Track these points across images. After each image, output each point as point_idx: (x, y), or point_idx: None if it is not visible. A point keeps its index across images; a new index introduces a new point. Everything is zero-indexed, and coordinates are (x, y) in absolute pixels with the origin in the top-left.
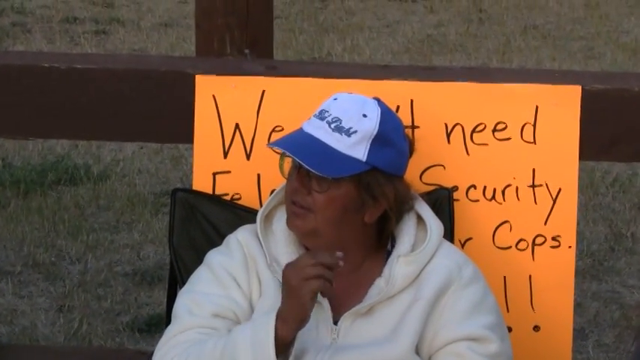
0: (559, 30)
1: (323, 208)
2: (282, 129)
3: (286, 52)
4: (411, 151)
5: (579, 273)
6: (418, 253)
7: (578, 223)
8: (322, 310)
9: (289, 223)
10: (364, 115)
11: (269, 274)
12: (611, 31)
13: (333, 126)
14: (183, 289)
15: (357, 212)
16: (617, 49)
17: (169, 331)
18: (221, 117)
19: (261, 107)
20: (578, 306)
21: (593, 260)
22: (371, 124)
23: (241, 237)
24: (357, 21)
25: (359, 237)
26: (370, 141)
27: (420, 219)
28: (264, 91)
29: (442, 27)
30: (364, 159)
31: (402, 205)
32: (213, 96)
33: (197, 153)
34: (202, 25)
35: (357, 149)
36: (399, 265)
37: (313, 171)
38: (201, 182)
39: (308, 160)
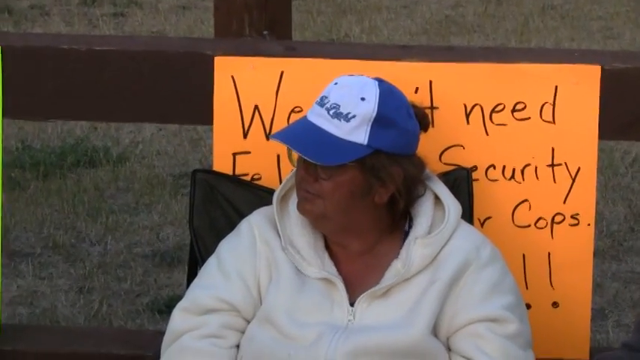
0: (577, 10)
1: (330, 194)
2: (301, 110)
3: (304, 33)
4: (425, 127)
5: (599, 253)
6: (435, 235)
7: (597, 203)
8: (337, 291)
9: (299, 207)
10: (362, 99)
11: (283, 258)
12: (629, 10)
13: (332, 112)
14: (193, 282)
15: (366, 195)
16: (637, 29)
17: (167, 335)
18: (240, 98)
19: (280, 88)
20: (597, 286)
21: (613, 240)
22: (369, 107)
23: (255, 221)
24: (375, 2)
25: (371, 219)
26: (370, 124)
27: (437, 199)
28: (282, 72)
29: (460, 7)
30: (365, 142)
31: (412, 185)
32: (232, 77)
33: (217, 134)
34: (221, 7)
35: (358, 133)
36: (417, 247)
37: (312, 161)
38: (221, 163)
39: (307, 150)
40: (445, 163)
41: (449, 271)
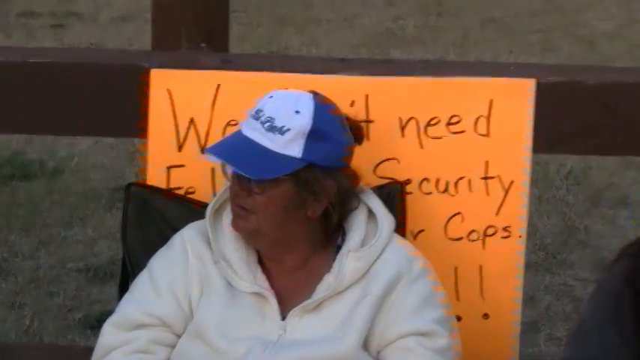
0: (517, 23)
1: (263, 208)
2: (237, 123)
3: (244, 45)
4: (359, 140)
5: (532, 266)
6: (368, 248)
7: (531, 216)
8: (269, 305)
9: (233, 224)
10: (297, 112)
11: (215, 272)
12: (568, 23)
13: (266, 126)
14: (124, 297)
15: (299, 209)
16: (574, 42)
17: (96, 351)
18: (176, 111)
19: (216, 101)
20: (530, 299)
21: (546, 253)
22: (304, 120)
23: (187, 235)
24: (315, 14)
25: (304, 233)
26: (305, 137)
27: (371, 213)
28: (219, 85)
29: (400, 20)
30: (299, 155)
31: (345, 199)
32: (168, 90)
33: (152, 147)
34: (157, 19)
35: (292, 147)
36: (349, 261)
37: (246, 175)
38: (155, 176)
39: (241, 165)
40: (380, 177)
41: (380, 284)
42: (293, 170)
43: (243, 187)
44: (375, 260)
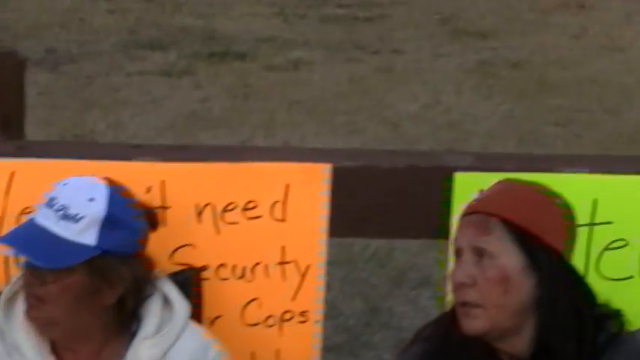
0: (323, 105)
1: (56, 298)
2: (31, 211)
3: (50, 129)
4: (154, 226)
5: (335, 348)
6: (162, 335)
7: (335, 298)
8: None
9: (27, 315)
10: (91, 199)
11: None
12: (373, 105)
13: (60, 214)
14: None
15: (94, 297)
16: (380, 123)
17: None
18: None
19: (10, 189)
20: None
21: (349, 335)
22: (98, 208)
23: None
24: (122, 96)
25: (99, 321)
26: (99, 225)
27: (166, 300)
28: (13, 173)
29: (207, 102)
30: (94, 243)
31: (140, 286)
32: None
33: None
34: None
35: (86, 235)
36: (143, 348)
37: (39, 264)
38: None
39: (34, 253)
40: (176, 263)
41: None
42: (87, 258)
43: (35, 276)
44: (170, 347)
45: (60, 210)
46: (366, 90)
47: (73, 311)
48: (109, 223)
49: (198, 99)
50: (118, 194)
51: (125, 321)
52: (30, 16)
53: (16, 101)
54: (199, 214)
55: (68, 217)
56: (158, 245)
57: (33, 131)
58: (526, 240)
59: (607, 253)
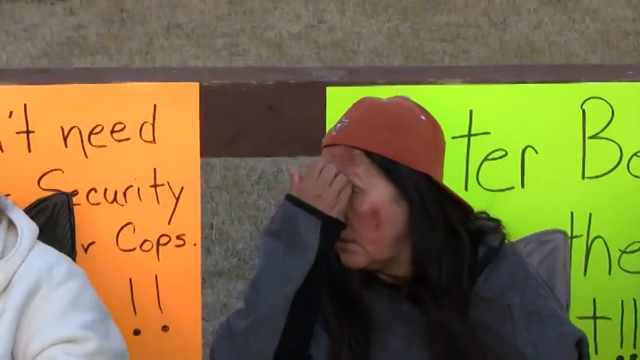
0: (203, 27)
1: None
2: None
3: None
4: None
5: (225, 273)
6: (8, 259)
7: (223, 223)
8: None
9: None
10: None
11: None
12: (255, 26)
13: None
14: None
15: None
16: (262, 45)
17: None
18: None
19: None
20: (224, 306)
21: (239, 259)
22: None
23: None
24: None
25: None
26: None
27: (11, 224)
28: None
29: (82, 29)
30: None
31: None
32: None
33: None
34: None
35: None
36: None
37: None
38: None
39: None
40: (44, 189)
41: (19, 295)
42: None
43: None
44: (16, 270)
45: None
46: (247, 11)
47: None
48: None
49: (73, 26)
50: None
51: None
52: None
53: None
54: (65, 137)
55: None
56: (24, 170)
57: None
58: (393, 169)
59: (486, 163)
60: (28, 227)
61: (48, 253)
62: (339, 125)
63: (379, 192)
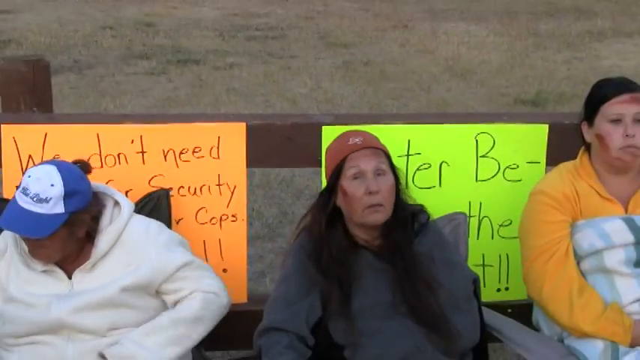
0: (249, 90)
1: (49, 245)
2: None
3: (77, 109)
4: (89, 171)
5: (260, 238)
6: (113, 224)
7: (259, 207)
8: (57, 274)
9: (34, 256)
10: (52, 185)
11: (19, 259)
12: (279, 90)
13: (35, 199)
14: None
15: (71, 237)
16: (284, 101)
17: None
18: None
19: (45, 143)
20: (259, 257)
21: (269, 229)
22: (58, 189)
23: (6, 234)
24: (123, 88)
25: (76, 244)
26: (62, 199)
27: (117, 203)
28: (46, 133)
29: (177, 90)
30: (63, 211)
31: (97, 215)
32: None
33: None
34: (4, 92)
35: (57, 207)
36: (103, 240)
37: (33, 236)
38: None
39: (27, 231)
40: (152, 186)
41: (126, 247)
42: (62, 222)
43: (32, 241)
44: (122, 232)
45: (34, 197)
46: (275, 81)
47: (61, 248)
48: (69, 195)
49: (171, 89)
50: (67, 173)
51: (92, 235)
52: (63, 40)
53: (45, 90)
54: (165, 155)
55: (42, 200)
56: (141, 175)
57: (68, 111)
58: (391, 164)
59: (418, 172)
60: (125, 203)
61: (144, 219)
62: (357, 140)
63: (391, 175)
